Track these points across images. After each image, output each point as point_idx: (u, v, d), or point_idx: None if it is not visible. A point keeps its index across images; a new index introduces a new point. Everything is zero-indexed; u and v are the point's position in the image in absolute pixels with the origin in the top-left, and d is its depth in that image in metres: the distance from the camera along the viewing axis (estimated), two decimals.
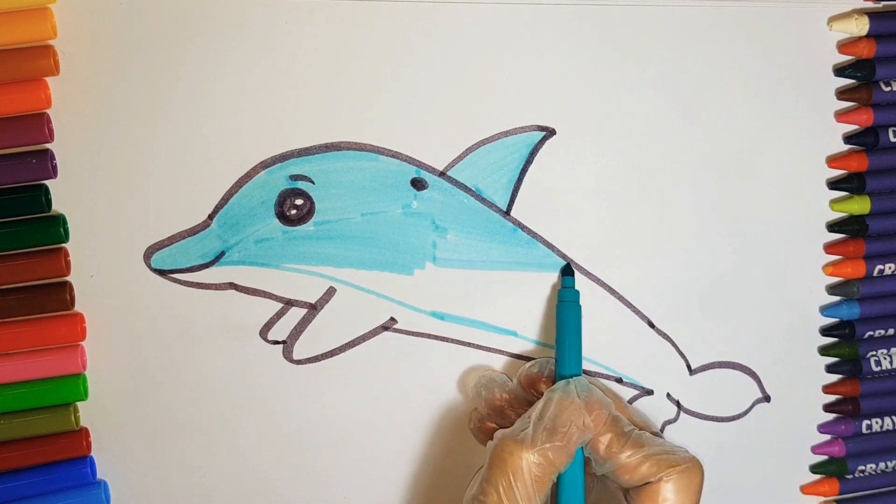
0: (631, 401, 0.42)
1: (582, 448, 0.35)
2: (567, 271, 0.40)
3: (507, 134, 0.39)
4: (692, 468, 0.35)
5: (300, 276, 0.38)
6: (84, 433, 0.38)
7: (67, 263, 0.37)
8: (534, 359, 0.41)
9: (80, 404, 0.38)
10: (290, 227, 0.38)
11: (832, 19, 0.41)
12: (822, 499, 0.45)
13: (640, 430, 0.36)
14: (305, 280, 0.38)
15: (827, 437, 0.44)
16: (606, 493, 0.38)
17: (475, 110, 0.39)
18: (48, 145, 0.36)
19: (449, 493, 0.41)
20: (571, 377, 0.37)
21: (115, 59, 0.36)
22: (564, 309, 0.39)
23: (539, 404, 0.35)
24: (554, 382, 0.37)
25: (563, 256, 0.40)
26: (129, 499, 0.39)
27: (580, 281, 0.41)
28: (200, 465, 0.39)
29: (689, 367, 0.42)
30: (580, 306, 0.39)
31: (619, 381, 0.42)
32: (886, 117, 0.42)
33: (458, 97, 0.38)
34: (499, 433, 0.35)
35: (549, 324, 0.41)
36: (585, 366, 0.41)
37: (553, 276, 0.40)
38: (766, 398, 0.44)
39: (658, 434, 0.37)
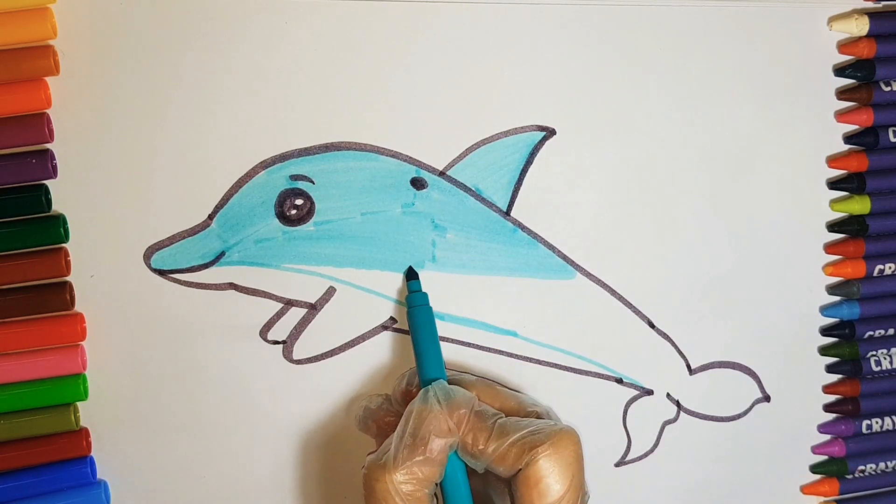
0: (631, 401, 0.42)
1: (456, 452, 0.34)
2: (411, 275, 0.39)
3: (507, 134, 0.39)
4: (559, 440, 0.33)
5: (300, 276, 0.38)
6: (84, 433, 0.38)
7: (67, 263, 0.37)
8: (537, 361, 0.41)
9: (80, 404, 0.38)
10: (290, 227, 0.38)
11: (832, 19, 0.41)
12: (822, 499, 0.45)
13: (507, 416, 0.35)
14: (305, 280, 0.38)
15: (827, 437, 0.44)
16: (496, 488, 0.37)
17: (475, 110, 0.39)
18: (48, 145, 0.36)
19: None
20: (433, 382, 0.36)
21: (115, 59, 0.36)
22: (415, 314, 0.38)
23: (402, 420, 0.34)
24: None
25: (564, 257, 0.40)
26: (129, 499, 0.39)
27: (580, 281, 0.41)
28: (200, 465, 0.39)
29: (689, 367, 0.42)
30: (430, 308, 0.38)
31: (619, 381, 0.42)
32: (886, 117, 0.42)
33: (458, 97, 0.38)
34: (367, 459, 0.34)
35: (549, 324, 0.41)
36: (585, 365, 0.41)
37: (554, 280, 0.40)
38: (766, 398, 0.44)
39: (540, 414, 0.36)
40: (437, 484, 0.34)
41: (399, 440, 0.34)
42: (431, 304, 0.39)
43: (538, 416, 0.36)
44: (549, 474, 0.33)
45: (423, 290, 0.38)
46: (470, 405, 0.34)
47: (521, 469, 0.33)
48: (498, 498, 0.36)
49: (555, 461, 0.33)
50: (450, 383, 0.36)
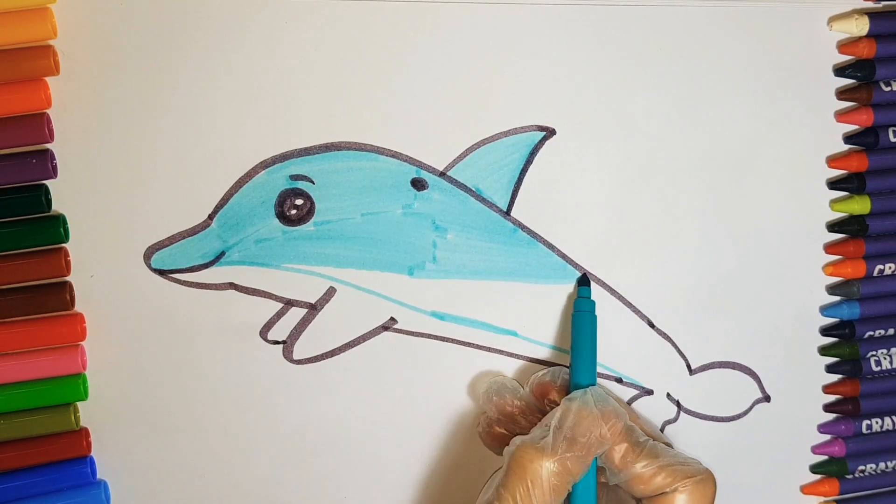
0: (631, 401, 0.42)
1: (596, 458, 0.35)
2: (583, 282, 0.40)
3: (507, 134, 0.39)
4: (706, 480, 0.35)
5: (300, 276, 0.38)
6: (84, 433, 0.38)
7: (67, 263, 0.37)
8: (537, 360, 0.41)
9: (80, 404, 0.38)
10: (290, 227, 0.38)
11: (832, 19, 0.41)
12: (822, 499, 0.45)
13: (653, 440, 0.36)
14: (305, 280, 0.38)
15: (827, 437, 0.44)
16: (618, 502, 0.38)
17: (475, 110, 0.39)
18: (48, 145, 0.36)
19: (448, 493, 0.41)
20: (587, 387, 0.37)
21: (115, 59, 0.36)
22: (580, 319, 0.39)
23: (557, 413, 0.35)
24: (568, 392, 0.37)
25: (564, 257, 0.40)
26: (129, 499, 0.39)
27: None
28: (200, 465, 0.39)
29: (689, 367, 0.42)
30: (595, 316, 0.39)
31: (619, 381, 0.42)
32: (886, 117, 0.42)
33: (458, 97, 0.38)
34: (517, 439, 0.35)
35: (549, 324, 0.41)
36: None
37: (552, 284, 0.40)
38: (766, 398, 0.44)
39: (669, 445, 0.37)
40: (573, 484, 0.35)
41: (557, 430, 0.35)
42: (431, 303, 0.39)
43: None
44: None
45: (593, 298, 0.40)
46: (623, 418, 0.36)
47: (664, 493, 0.35)
48: None
49: (697, 497, 0.35)
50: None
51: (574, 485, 0.35)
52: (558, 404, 0.36)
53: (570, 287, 0.41)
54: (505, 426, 0.38)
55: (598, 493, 0.36)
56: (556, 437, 0.34)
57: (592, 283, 0.41)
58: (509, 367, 0.41)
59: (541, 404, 0.38)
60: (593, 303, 0.39)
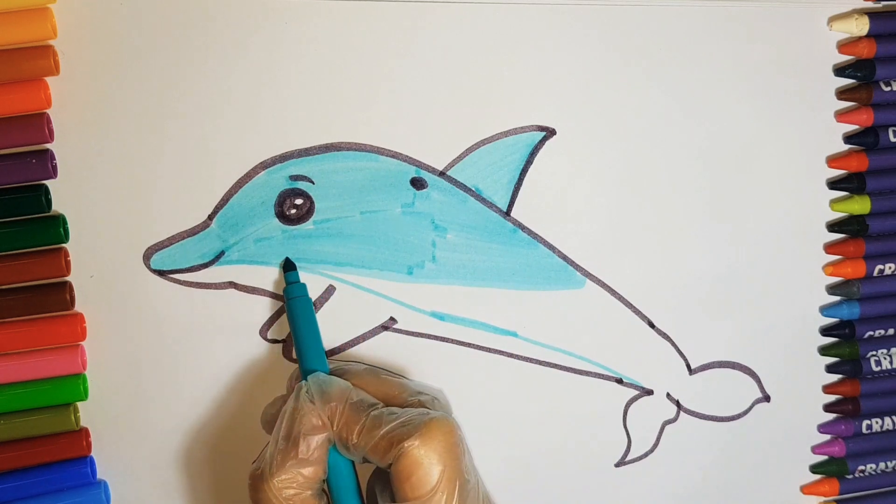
0: (631, 401, 0.42)
1: (335, 448, 0.33)
2: (289, 266, 0.38)
3: (507, 134, 0.39)
4: (428, 430, 0.32)
5: (300, 275, 0.38)
6: (84, 433, 0.38)
7: (67, 263, 0.37)
8: (537, 361, 0.41)
9: (80, 404, 0.38)
10: (289, 225, 0.38)
11: (832, 19, 0.41)
12: (822, 499, 0.45)
13: (387, 406, 0.34)
14: (305, 279, 0.38)
15: (827, 437, 0.44)
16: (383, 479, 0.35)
17: (475, 110, 0.39)
18: (48, 145, 0.36)
19: None
20: (311, 375, 0.35)
21: (115, 59, 0.36)
22: (293, 306, 0.37)
23: (276, 423, 0.34)
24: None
25: (564, 257, 0.40)
26: (129, 499, 0.39)
27: (580, 281, 0.41)
28: (200, 465, 0.39)
29: (688, 367, 0.42)
30: (309, 299, 0.37)
31: (620, 381, 0.42)
32: (886, 117, 0.42)
33: (458, 97, 0.38)
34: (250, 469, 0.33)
35: (549, 325, 0.41)
36: (585, 365, 0.41)
37: (553, 284, 0.40)
38: (766, 398, 0.44)
39: (424, 403, 0.34)
40: (324, 481, 0.33)
41: (274, 445, 0.33)
42: (431, 303, 0.39)
43: (421, 405, 0.34)
44: (420, 466, 0.32)
45: (301, 281, 0.38)
46: (344, 397, 0.33)
47: (392, 462, 0.32)
48: (384, 489, 0.35)
49: (425, 452, 0.32)
50: (333, 374, 0.35)
51: (328, 480, 0.33)
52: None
53: (571, 288, 0.41)
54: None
55: (361, 480, 0.34)
56: (272, 453, 0.32)
57: (593, 284, 0.41)
58: (509, 368, 0.41)
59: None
60: (304, 285, 0.38)
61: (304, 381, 0.34)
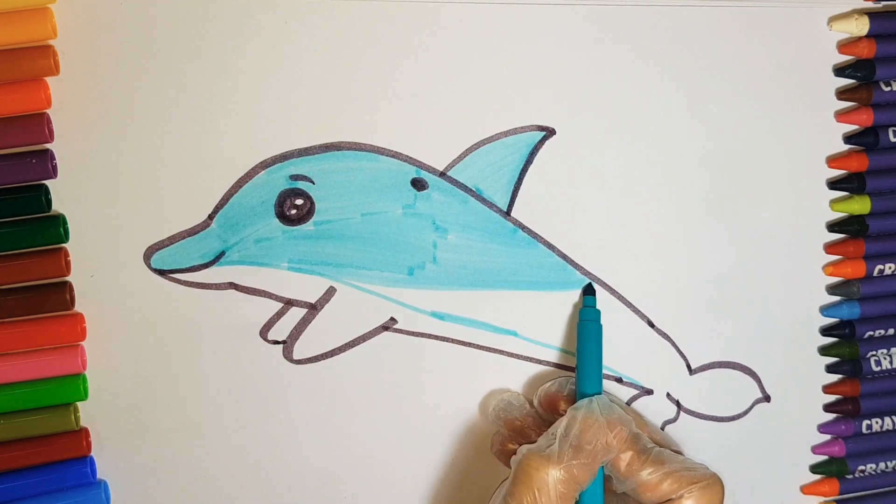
0: (631, 401, 0.42)
1: (602, 466, 0.35)
2: (589, 290, 0.40)
3: (507, 134, 0.39)
4: (713, 484, 0.35)
5: (300, 276, 0.38)
6: (84, 433, 0.38)
7: (67, 263, 0.37)
8: (537, 360, 0.41)
9: (80, 404, 0.38)
10: (289, 226, 0.38)
11: (832, 19, 0.41)
12: (822, 499, 0.45)
13: (660, 447, 0.36)
14: (305, 280, 0.38)
15: (827, 437, 0.44)
16: None
17: (475, 110, 0.39)
18: (48, 145, 0.36)
19: (449, 493, 0.41)
20: (593, 395, 0.37)
21: (115, 59, 0.36)
22: (586, 328, 0.39)
23: (563, 421, 0.35)
24: (575, 401, 0.37)
25: (564, 257, 0.40)
26: (129, 499, 0.39)
27: (580, 281, 0.41)
28: (200, 465, 0.39)
29: (689, 366, 0.42)
30: (601, 325, 0.39)
31: (619, 381, 0.42)
32: (886, 117, 0.42)
33: (458, 97, 0.38)
34: (523, 448, 0.35)
35: (549, 324, 0.41)
36: None
37: (553, 284, 0.40)
38: (766, 398, 0.44)
39: (679, 451, 0.37)
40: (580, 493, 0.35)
41: (563, 438, 0.35)
42: (431, 304, 0.39)
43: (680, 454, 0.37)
44: None
45: (597, 307, 0.40)
46: (629, 426, 0.36)
47: (670, 500, 0.35)
48: None
49: (703, 503, 0.35)
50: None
51: (581, 493, 0.35)
52: None
53: (570, 288, 0.41)
54: (517, 441, 0.38)
55: (605, 501, 0.36)
56: (561, 444, 0.34)
57: (593, 284, 0.41)
58: (509, 368, 0.41)
59: (548, 416, 0.39)
60: (598, 312, 0.39)
61: (594, 397, 0.36)
